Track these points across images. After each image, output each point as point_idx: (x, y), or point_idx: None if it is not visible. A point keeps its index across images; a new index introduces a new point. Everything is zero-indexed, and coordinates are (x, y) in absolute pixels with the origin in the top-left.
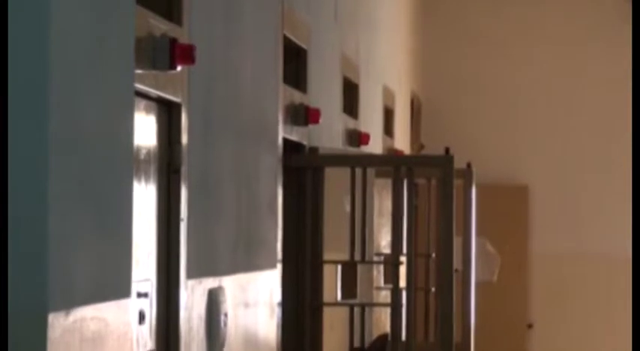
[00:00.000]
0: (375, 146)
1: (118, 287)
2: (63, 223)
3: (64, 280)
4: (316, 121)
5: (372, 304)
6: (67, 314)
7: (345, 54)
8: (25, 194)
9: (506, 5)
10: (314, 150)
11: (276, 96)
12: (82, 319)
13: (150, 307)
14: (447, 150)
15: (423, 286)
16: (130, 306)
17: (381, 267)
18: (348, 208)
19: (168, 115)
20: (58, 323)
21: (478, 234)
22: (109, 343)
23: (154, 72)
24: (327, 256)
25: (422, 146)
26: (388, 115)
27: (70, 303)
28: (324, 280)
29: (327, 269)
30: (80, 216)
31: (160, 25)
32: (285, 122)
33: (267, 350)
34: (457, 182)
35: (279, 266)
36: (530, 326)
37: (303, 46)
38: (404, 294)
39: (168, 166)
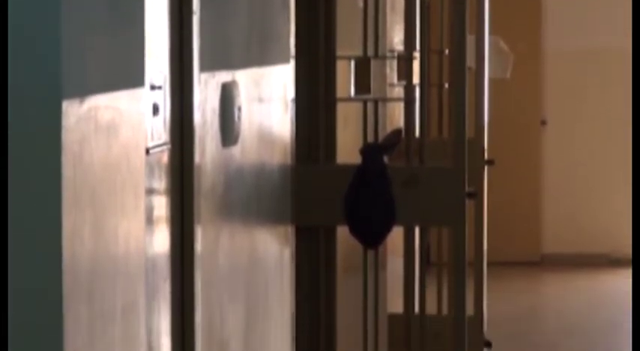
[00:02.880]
0: None
1: (131, 76)
2: (76, 10)
3: (77, 67)
4: None
5: (386, 99)
6: (81, 102)
7: None
8: None
9: None
10: None
11: None
12: (96, 107)
13: (163, 99)
14: None
15: (437, 82)
16: (144, 96)
17: (395, 64)
18: (361, 4)
19: None
20: (72, 111)
21: (491, 33)
22: (123, 133)
23: None
24: (340, 53)
25: None
26: None
27: (83, 91)
28: (337, 76)
29: (340, 66)
30: (93, 1)
31: None
32: None
33: (281, 145)
34: None
35: (293, 61)
36: (543, 123)
37: None
38: (417, 90)
39: None
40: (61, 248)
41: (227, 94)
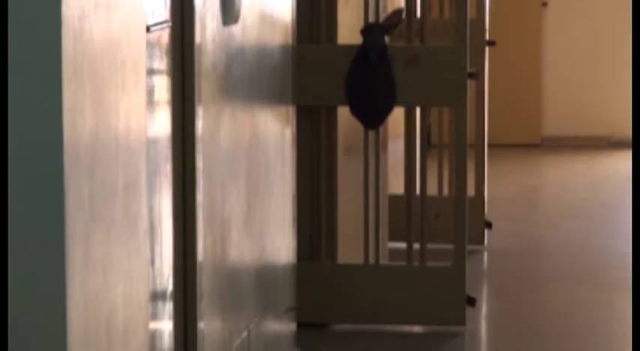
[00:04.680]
0: None
1: None
2: None
3: None
4: None
5: None
6: None
7: None
8: None
9: None
10: None
11: None
12: None
13: None
14: None
15: None
16: None
17: None
18: None
19: None
20: None
21: None
22: (123, 9)
23: None
24: None
25: None
26: None
27: None
28: None
29: None
30: None
31: None
32: None
33: (283, 24)
34: None
35: None
36: (545, 4)
37: None
38: None
39: None
40: (61, 121)
41: None
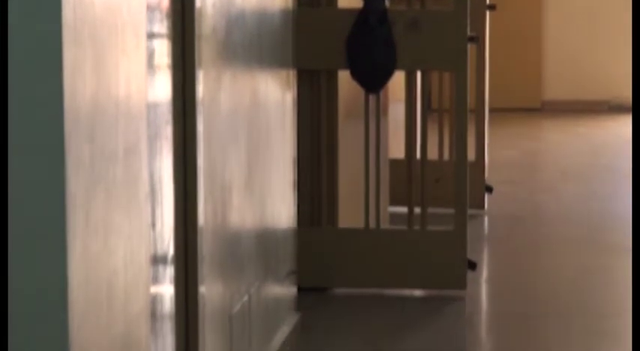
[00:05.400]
0: None
1: None
2: None
3: None
4: None
5: None
6: None
7: None
8: None
9: None
10: None
11: None
12: None
13: None
14: None
15: None
16: None
17: None
18: None
19: None
20: None
21: None
22: None
23: None
24: None
25: None
26: None
27: None
28: None
29: None
30: None
31: None
32: None
33: None
34: None
35: None
36: None
37: None
38: None
39: None
40: (62, 85)
41: None
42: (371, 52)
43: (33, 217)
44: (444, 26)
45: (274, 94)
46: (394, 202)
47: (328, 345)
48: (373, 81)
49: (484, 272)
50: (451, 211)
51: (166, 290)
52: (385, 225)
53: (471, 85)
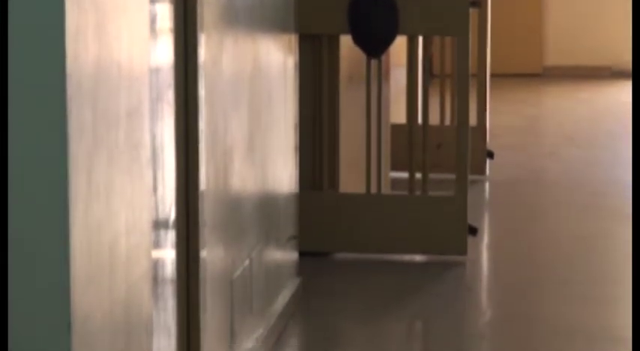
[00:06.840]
0: None
1: None
2: None
3: None
4: None
5: None
6: None
7: None
8: None
9: None
10: None
11: None
12: None
13: None
14: None
15: None
16: None
17: None
18: None
19: None
20: None
21: None
22: None
23: None
24: None
25: None
26: None
27: None
28: None
29: None
30: None
31: None
32: None
33: None
34: None
35: None
36: None
37: None
38: None
39: None
40: (64, 48)
41: None
42: (373, 16)
43: (35, 180)
44: None
45: (276, 58)
46: (395, 167)
47: (329, 309)
48: (375, 46)
49: (485, 238)
50: (452, 176)
51: (168, 254)
52: (386, 190)
53: (472, 50)
